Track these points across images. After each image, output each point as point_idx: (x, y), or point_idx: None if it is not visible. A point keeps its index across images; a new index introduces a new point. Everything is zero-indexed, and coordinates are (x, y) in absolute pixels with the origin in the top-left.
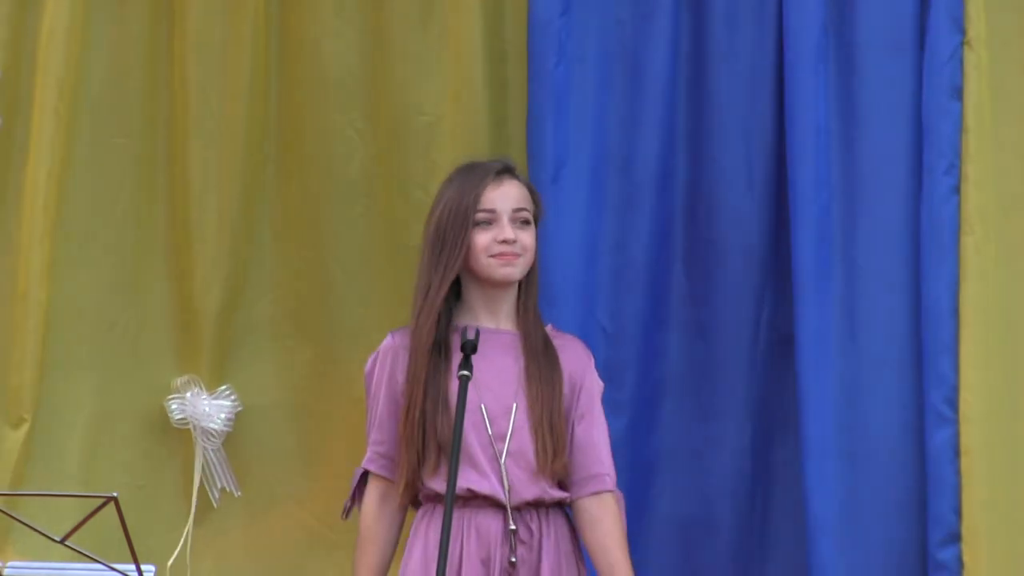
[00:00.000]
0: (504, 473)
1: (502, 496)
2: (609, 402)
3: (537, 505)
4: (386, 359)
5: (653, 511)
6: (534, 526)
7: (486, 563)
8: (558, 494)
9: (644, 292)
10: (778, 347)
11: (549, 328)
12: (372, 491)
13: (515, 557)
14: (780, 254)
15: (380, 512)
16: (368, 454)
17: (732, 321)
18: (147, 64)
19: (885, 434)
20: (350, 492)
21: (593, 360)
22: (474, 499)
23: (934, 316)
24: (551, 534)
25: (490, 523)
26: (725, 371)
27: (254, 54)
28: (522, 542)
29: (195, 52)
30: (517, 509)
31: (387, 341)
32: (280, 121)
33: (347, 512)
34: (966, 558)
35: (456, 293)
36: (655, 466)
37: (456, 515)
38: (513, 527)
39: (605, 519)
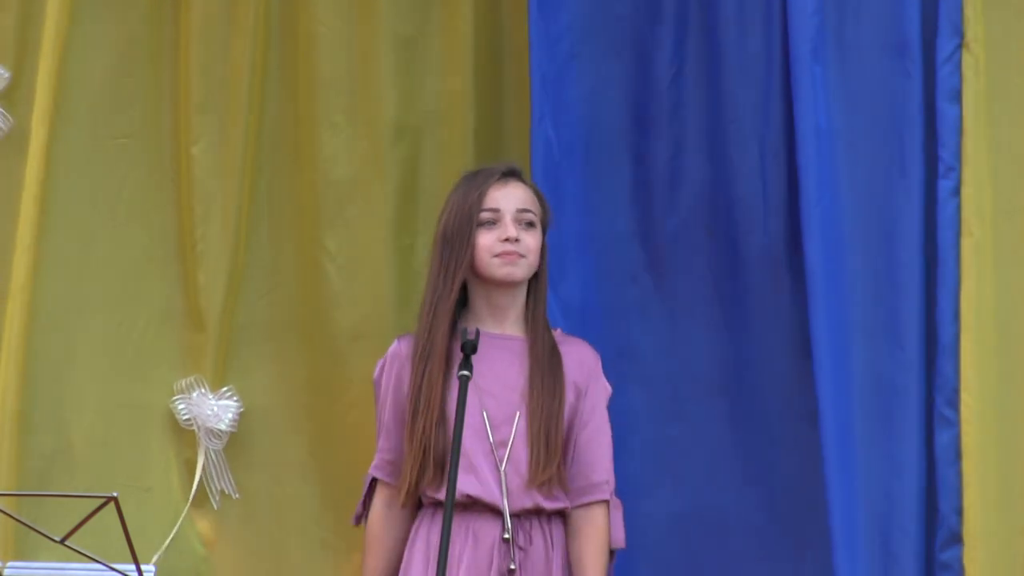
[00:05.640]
0: (504, 480)
1: (500, 503)
2: (626, 397)
3: (538, 513)
4: (393, 365)
5: (668, 507)
6: (535, 534)
7: (484, 569)
8: (554, 504)
9: (659, 289)
10: (799, 346)
11: (557, 332)
12: (379, 497)
13: (514, 564)
14: (794, 252)
15: (386, 517)
16: (375, 460)
17: (752, 317)
18: (148, 65)
19: (893, 435)
20: (361, 499)
21: (600, 363)
22: (474, 505)
23: (937, 318)
24: (555, 543)
25: (489, 529)
26: (748, 366)
27: (254, 54)
28: (520, 549)
29: (196, 52)
30: (516, 516)
31: (393, 347)
32: (280, 122)
33: (358, 519)
34: (966, 559)
35: (463, 301)
36: (674, 460)
37: (455, 520)
38: (508, 535)
39: (587, 532)
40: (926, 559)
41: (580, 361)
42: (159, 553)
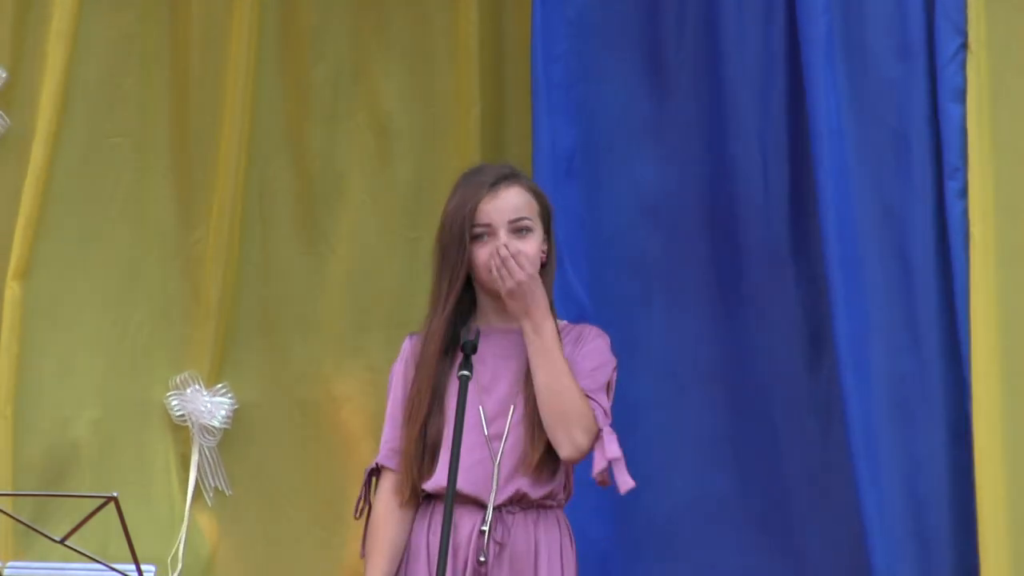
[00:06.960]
0: (496, 473)
1: (485, 496)
2: (628, 388)
3: (523, 505)
4: (403, 361)
5: (670, 497)
6: (517, 529)
7: (459, 560)
8: (541, 489)
9: (661, 282)
10: (799, 338)
11: (563, 324)
12: (384, 485)
13: (484, 556)
14: (794, 246)
15: (391, 506)
16: (381, 451)
17: (753, 310)
18: (145, 63)
19: (916, 433)
20: (361, 491)
21: (605, 336)
22: (456, 497)
23: (954, 317)
24: (540, 540)
25: (467, 521)
26: (748, 357)
27: (252, 50)
28: (497, 543)
29: (193, 51)
30: (499, 510)
31: (406, 343)
32: (279, 117)
33: (359, 511)
34: (980, 558)
35: (473, 297)
36: (676, 450)
37: (436, 511)
38: (484, 528)
39: None
40: (958, 559)
41: (578, 337)
42: (176, 550)
